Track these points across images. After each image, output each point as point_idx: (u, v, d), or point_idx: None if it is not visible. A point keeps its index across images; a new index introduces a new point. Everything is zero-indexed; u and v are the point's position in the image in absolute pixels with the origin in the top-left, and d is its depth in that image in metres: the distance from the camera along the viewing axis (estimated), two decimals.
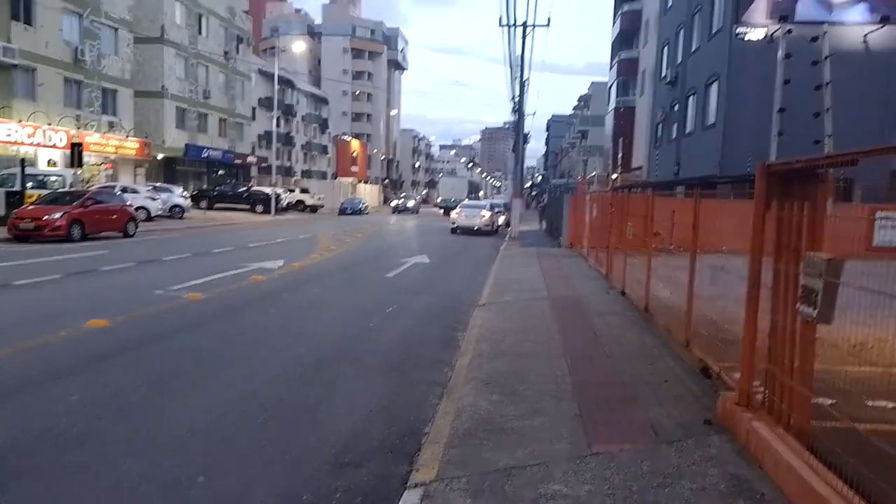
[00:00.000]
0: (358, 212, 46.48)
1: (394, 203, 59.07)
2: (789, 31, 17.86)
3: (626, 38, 42.48)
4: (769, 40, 19.62)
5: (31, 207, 17.96)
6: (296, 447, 4.38)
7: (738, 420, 4.27)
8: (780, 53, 17.04)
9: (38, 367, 5.94)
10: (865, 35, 20.84)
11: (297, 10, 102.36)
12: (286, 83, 58.56)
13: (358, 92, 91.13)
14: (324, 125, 72.63)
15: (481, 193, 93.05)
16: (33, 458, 4.07)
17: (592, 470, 3.81)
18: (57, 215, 17.04)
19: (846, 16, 21.02)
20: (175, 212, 28.93)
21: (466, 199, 48.23)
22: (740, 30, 20.91)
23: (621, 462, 3.92)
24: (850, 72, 19.46)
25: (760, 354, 4.25)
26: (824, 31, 16.39)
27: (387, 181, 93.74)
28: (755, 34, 20.38)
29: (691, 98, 26.41)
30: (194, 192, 36.88)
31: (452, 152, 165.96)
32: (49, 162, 27.71)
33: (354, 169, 78.13)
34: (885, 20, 20.71)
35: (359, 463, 4.17)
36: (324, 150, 72.59)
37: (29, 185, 21.07)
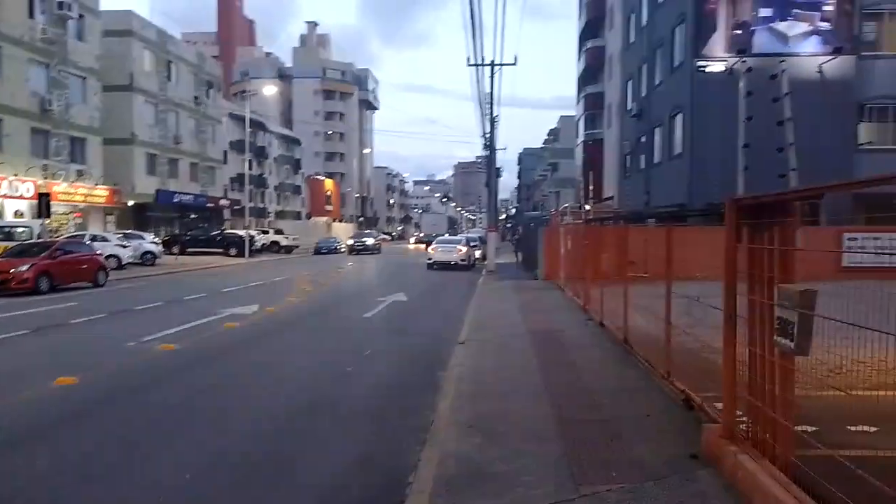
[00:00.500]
0: (333, 251, 46.24)
1: (349, 242, 47.70)
2: (749, 70, 18.47)
3: (591, 74, 43.53)
4: (729, 72, 20.28)
5: None
6: None
7: (723, 453, 4.24)
8: (741, 91, 17.57)
9: (3, 430, 5.69)
10: (820, 65, 21.68)
11: (268, 54, 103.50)
12: (258, 126, 58.69)
13: (330, 132, 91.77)
14: (297, 166, 72.73)
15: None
16: None
17: None
18: (24, 268, 16.62)
19: (801, 48, 21.88)
20: (146, 258, 28.45)
21: (447, 234, 48.91)
22: (700, 63, 21.57)
23: (609, 503, 3.85)
24: (810, 100, 20.15)
25: (741, 385, 4.25)
26: (783, 68, 16.97)
27: (361, 219, 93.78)
28: (715, 67, 21.03)
29: (657, 130, 27.06)
30: (166, 238, 36.39)
31: (427, 188, 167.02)
32: (16, 213, 27.19)
33: (329, 208, 78.15)
34: (837, 51, 21.61)
35: None
36: (297, 190, 72.54)
37: None
